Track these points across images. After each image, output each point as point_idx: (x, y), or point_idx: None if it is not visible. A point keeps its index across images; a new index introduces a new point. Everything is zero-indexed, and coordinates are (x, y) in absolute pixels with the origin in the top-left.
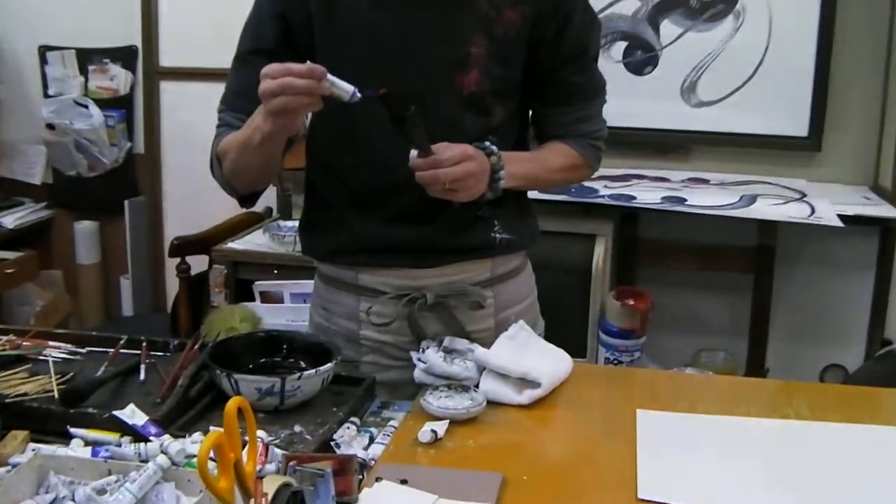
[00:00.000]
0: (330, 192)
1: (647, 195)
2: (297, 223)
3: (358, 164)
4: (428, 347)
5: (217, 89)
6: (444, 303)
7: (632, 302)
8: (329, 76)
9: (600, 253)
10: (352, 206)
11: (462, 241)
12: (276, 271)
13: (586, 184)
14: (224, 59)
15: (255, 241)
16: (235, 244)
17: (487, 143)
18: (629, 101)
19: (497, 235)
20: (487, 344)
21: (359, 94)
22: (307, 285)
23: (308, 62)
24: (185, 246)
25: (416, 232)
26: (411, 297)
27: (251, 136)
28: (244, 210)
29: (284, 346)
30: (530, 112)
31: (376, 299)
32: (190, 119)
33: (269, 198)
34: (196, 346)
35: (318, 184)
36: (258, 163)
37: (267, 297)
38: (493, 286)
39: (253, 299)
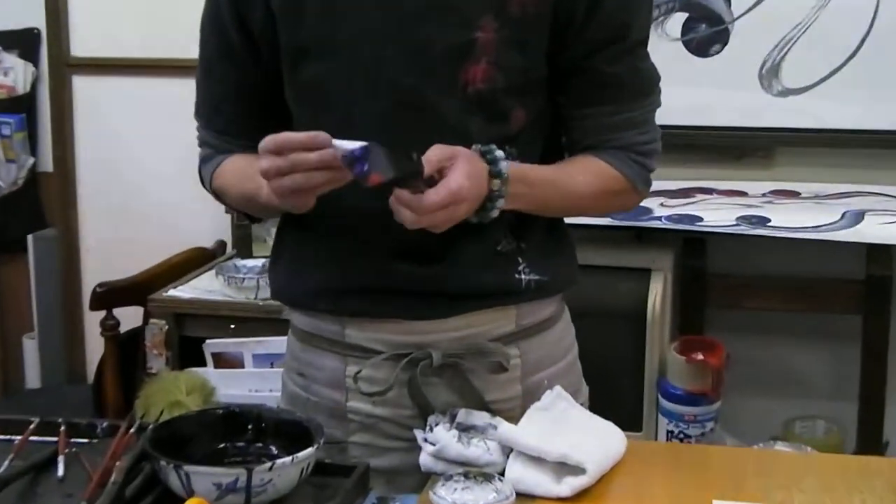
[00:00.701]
0: (308, 218)
1: (718, 215)
2: (258, 262)
3: (347, 190)
4: (437, 424)
5: (151, 87)
6: (457, 365)
7: (700, 356)
8: (334, 141)
9: (657, 292)
10: (336, 236)
11: (478, 284)
12: (233, 326)
13: None
14: (160, 45)
15: (204, 287)
16: (179, 291)
17: (497, 153)
18: (691, 91)
19: (523, 276)
20: (514, 418)
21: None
22: (275, 344)
23: (310, 133)
24: (111, 294)
25: (420, 271)
26: (413, 357)
27: (255, 193)
28: (189, 247)
29: (250, 427)
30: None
31: (368, 361)
32: (114, 126)
33: (221, 229)
34: (132, 430)
35: (290, 218)
36: (260, 209)
37: (222, 361)
38: (519, 342)
39: (204, 364)
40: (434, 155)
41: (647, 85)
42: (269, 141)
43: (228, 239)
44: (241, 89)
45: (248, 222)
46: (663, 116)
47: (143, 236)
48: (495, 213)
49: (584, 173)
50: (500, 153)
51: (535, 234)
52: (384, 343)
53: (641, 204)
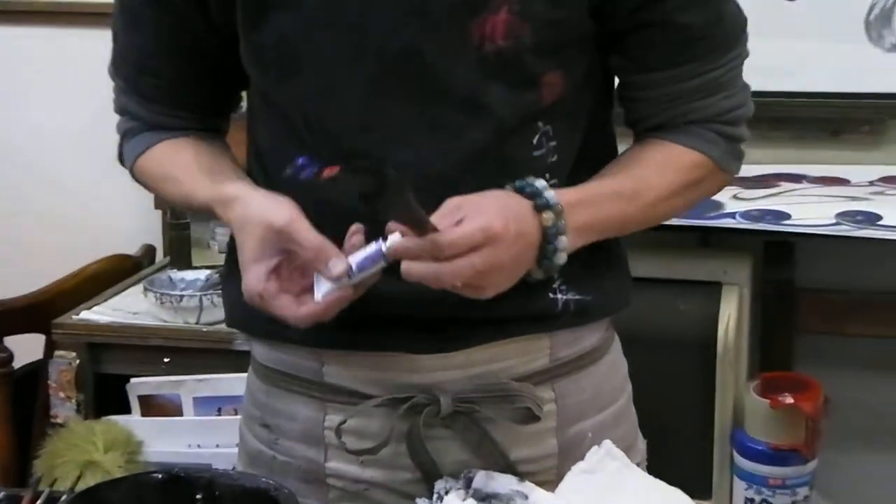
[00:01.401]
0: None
1: (810, 210)
2: (201, 275)
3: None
4: (447, 492)
5: (52, 38)
6: (472, 412)
7: (789, 399)
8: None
9: (730, 314)
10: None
11: (500, 307)
12: (167, 360)
13: None
14: None
15: (128, 308)
16: (93, 313)
17: (537, 183)
18: (773, 46)
19: (560, 296)
20: (549, 483)
21: (307, 174)
22: (224, 383)
23: (314, 241)
24: (1, 319)
25: (423, 291)
26: (415, 402)
27: (192, 201)
28: (106, 253)
29: (198, 497)
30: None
31: (355, 407)
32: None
33: (150, 229)
34: None
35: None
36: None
37: (153, 407)
38: (554, 382)
39: (127, 410)
40: (437, 214)
41: (732, 33)
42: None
43: (159, 243)
44: (177, 43)
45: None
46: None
47: (44, 239)
48: (561, 258)
49: (658, 169)
50: (540, 182)
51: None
52: (376, 384)
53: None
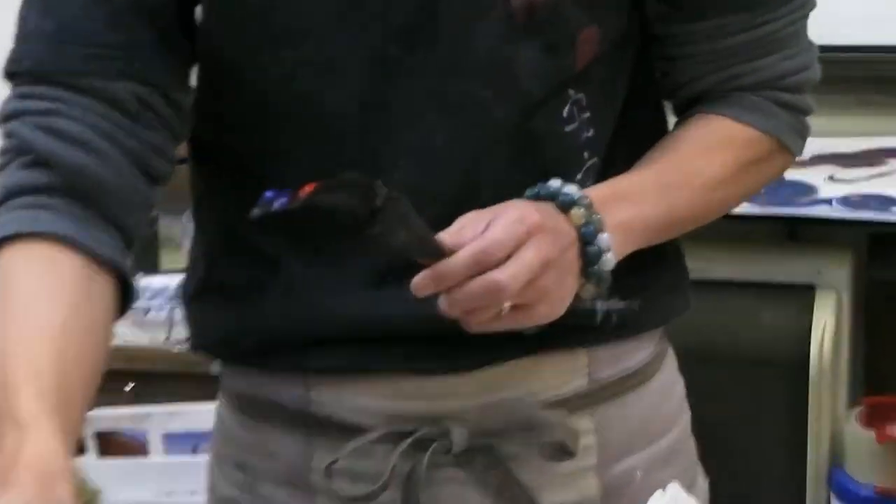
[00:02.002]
0: (248, 224)
1: None
2: (169, 281)
3: (309, 164)
4: None
5: None
6: (492, 448)
7: None
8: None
9: (826, 324)
10: (299, 251)
11: None
12: (130, 387)
13: (790, 175)
14: None
15: None
16: None
17: (553, 183)
18: None
19: (600, 304)
20: None
21: (276, 204)
22: (200, 416)
23: None
24: None
25: (434, 304)
26: (421, 436)
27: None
28: None
29: None
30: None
31: (348, 443)
32: None
33: None
34: None
35: (224, 205)
36: None
37: (114, 445)
38: (594, 408)
39: (81, 450)
40: (456, 225)
41: None
42: None
43: None
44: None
45: None
46: (823, 34)
47: None
48: (609, 261)
49: (705, 150)
50: (553, 182)
51: None
52: (373, 414)
53: (799, 178)
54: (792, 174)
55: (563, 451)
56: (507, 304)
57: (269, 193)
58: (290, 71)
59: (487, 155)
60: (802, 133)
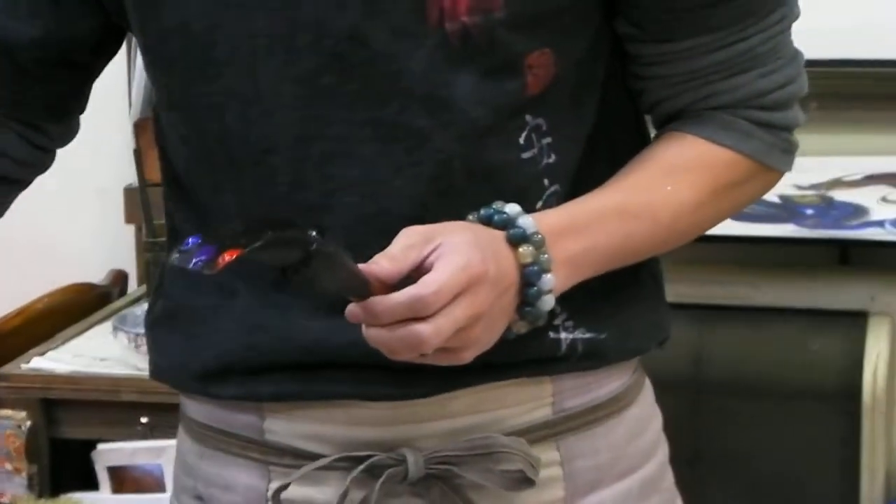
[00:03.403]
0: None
1: None
2: None
3: (252, 195)
4: None
5: None
6: (450, 476)
7: None
8: None
9: (880, 353)
10: (248, 274)
11: (487, 351)
12: (144, 420)
13: (841, 196)
14: None
15: (93, 353)
16: (48, 360)
17: (508, 209)
18: None
19: (564, 335)
20: None
21: (199, 265)
22: None
23: None
24: None
25: None
26: (374, 462)
27: None
28: (65, 283)
29: None
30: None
31: (300, 469)
32: None
33: (119, 251)
34: None
35: (182, 232)
36: None
37: (127, 480)
38: (560, 439)
39: (94, 485)
40: (400, 244)
41: None
42: None
43: (132, 267)
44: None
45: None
46: (876, 49)
47: None
48: (547, 303)
49: (675, 173)
50: (511, 208)
51: None
52: (327, 441)
53: (851, 199)
54: (843, 195)
55: (525, 481)
56: (431, 348)
57: (192, 239)
58: (220, 104)
59: (434, 186)
60: (788, 149)
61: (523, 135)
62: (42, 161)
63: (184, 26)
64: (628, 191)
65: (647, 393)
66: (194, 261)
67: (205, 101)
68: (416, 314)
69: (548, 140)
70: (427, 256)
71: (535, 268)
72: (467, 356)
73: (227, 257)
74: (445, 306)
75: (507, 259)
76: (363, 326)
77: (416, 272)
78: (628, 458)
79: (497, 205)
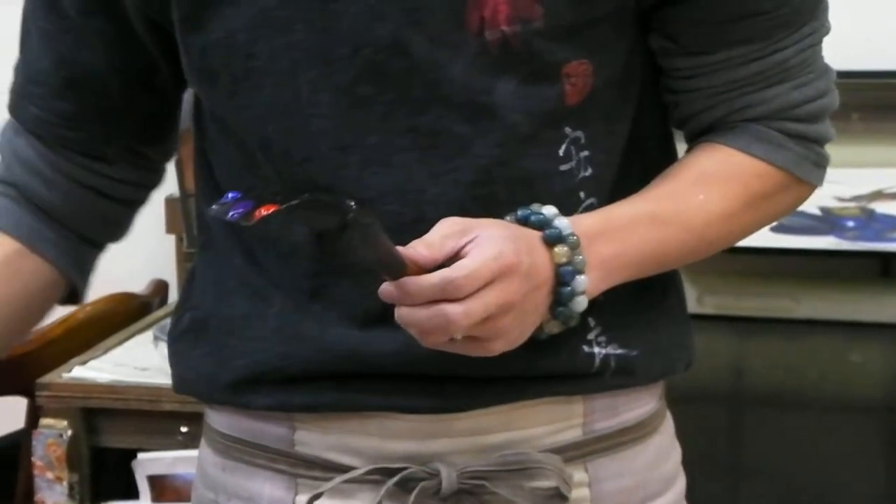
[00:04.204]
0: (241, 258)
1: None
2: None
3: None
4: None
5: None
6: (483, 491)
7: None
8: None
9: None
10: (281, 285)
11: (521, 361)
12: (185, 430)
13: (882, 209)
14: None
15: (134, 363)
16: (90, 370)
17: (546, 210)
18: None
19: (597, 349)
20: None
21: (235, 216)
22: None
23: None
24: None
25: (416, 344)
26: (407, 475)
27: None
28: (106, 293)
29: None
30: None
31: (329, 481)
32: None
33: (160, 261)
34: None
35: (219, 243)
36: None
37: (167, 490)
38: (588, 461)
39: (134, 494)
40: (438, 233)
41: (804, 2)
42: None
43: (172, 277)
44: (84, 53)
45: None
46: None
47: None
48: (580, 304)
49: (708, 182)
50: (549, 209)
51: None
52: (359, 454)
53: (891, 211)
54: (885, 207)
55: (556, 497)
56: (460, 332)
57: (230, 194)
58: (262, 115)
59: (472, 193)
60: (819, 163)
61: (562, 147)
62: (152, 179)
63: (227, 39)
64: (661, 199)
65: (669, 424)
66: (231, 213)
67: (247, 112)
68: (448, 296)
69: (585, 153)
70: (463, 247)
71: (570, 268)
72: (496, 347)
73: (264, 211)
74: (477, 291)
75: (541, 256)
76: (396, 310)
77: (451, 261)
78: (651, 485)
79: (534, 206)
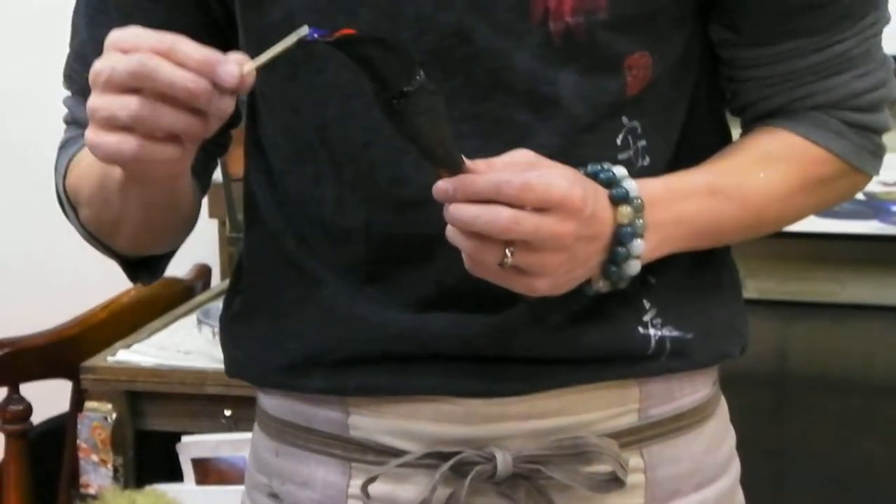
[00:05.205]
0: (293, 241)
1: None
2: None
3: (350, 188)
4: None
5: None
6: (537, 476)
7: None
8: (249, 61)
9: None
10: (334, 266)
11: (576, 343)
12: (228, 413)
13: None
14: None
15: (177, 346)
16: (133, 353)
17: (616, 170)
18: None
19: (652, 331)
20: None
21: (315, 35)
22: None
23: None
24: (16, 360)
25: (480, 323)
26: (462, 459)
27: (108, 171)
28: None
29: None
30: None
31: (385, 465)
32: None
33: (203, 245)
34: None
35: (270, 226)
36: (136, 214)
37: (211, 472)
38: (644, 446)
39: (178, 477)
40: (505, 159)
41: None
42: (117, 35)
43: (215, 261)
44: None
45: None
46: None
47: (68, 260)
48: (633, 267)
49: (768, 161)
50: (620, 170)
51: (673, 261)
52: (414, 437)
53: None
54: None
55: (612, 482)
56: (508, 257)
57: (310, 29)
58: (322, 97)
59: None
60: (877, 153)
61: (620, 136)
62: (217, 153)
63: (288, 20)
64: (722, 172)
65: (724, 409)
66: (310, 31)
67: (307, 94)
68: (502, 198)
69: (642, 143)
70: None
71: (629, 229)
72: (540, 286)
73: (342, 32)
74: (534, 211)
75: (605, 210)
76: (446, 211)
77: None
78: (706, 471)
79: (605, 164)
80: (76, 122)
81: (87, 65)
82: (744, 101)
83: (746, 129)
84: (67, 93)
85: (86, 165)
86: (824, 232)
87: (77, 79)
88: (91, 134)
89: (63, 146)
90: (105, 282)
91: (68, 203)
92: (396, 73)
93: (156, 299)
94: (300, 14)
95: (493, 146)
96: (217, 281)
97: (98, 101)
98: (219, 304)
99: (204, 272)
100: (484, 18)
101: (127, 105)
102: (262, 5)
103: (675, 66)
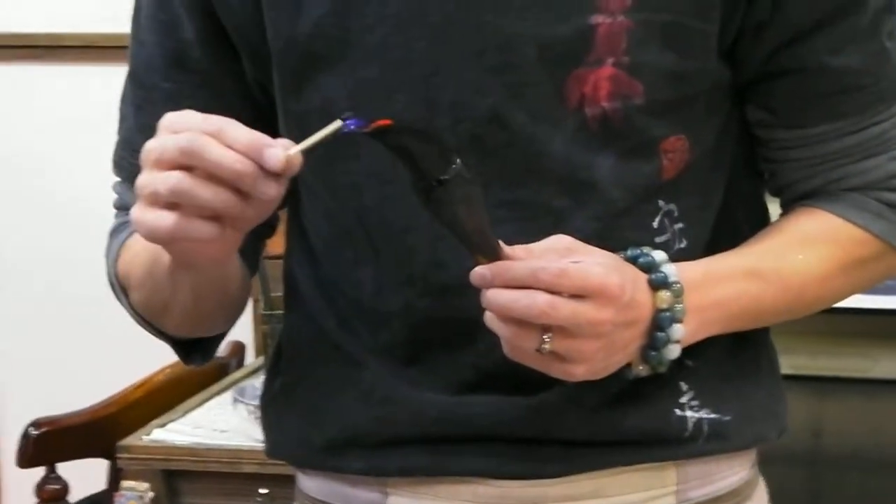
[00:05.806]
0: (333, 322)
1: None
2: None
3: (389, 272)
4: None
5: (93, 76)
6: None
7: None
8: (293, 147)
9: None
10: (374, 349)
11: (613, 425)
12: (264, 492)
13: None
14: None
15: (212, 425)
16: (169, 432)
17: (655, 255)
18: None
19: (689, 413)
20: None
21: (352, 126)
22: None
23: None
24: (52, 440)
25: (518, 405)
26: None
27: (157, 255)
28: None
29: None
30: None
31: None
32: (29, 132)
33: (238, 324)
34: None
35: (310, 307)
36: (186, 298)
37: None
38: None
39: None
40: (544, 245)
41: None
42: (169, 119)
43: (249, 339)
44: None
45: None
46: None
47: (104, 338)
48: (673, 351)
49: (806, 243)
50: (659, 254)
51: (711, 343)
52: None
53: None
54: None
55: None
56: (546, 343)
57: (346, 115)
58: (359, 183)
59: None
60: None
61: (657, 219)
62: (269, 233)
63: (326, 106)
64: (761, 255)
65: (762, 491)
66: (348, 122)
67: (344, 179)
68: (539, 284)
69: (679, 226)
70: (565, 255)
71: (669, 314)
72: (578, 372)
73: (380, 123)
74: (571, 298)
75: (644, 295)
76: (483, 296)
77: None
78: None
79: (644, 248)
80: (125, 208)
81: (135, 152)
82: (781, 182)
83: (785, 210)
84: (117, 179)
85: (139, 250)
86: (858, 307)
87: (125, 165)
88: (135, 209)
89: (113, 231)
90: (142, 359)
91: (119, 287)
92: (433, 161)
93: (190, 377)
94: (337, 100)
95: (530, 231)
96: (251, 358)
97: (145, 178)
98: (254, 382)
99: (238, 349)
100: (520, 105)
101: (168, 179)
102: (301, 92)
103: (711, 148)
